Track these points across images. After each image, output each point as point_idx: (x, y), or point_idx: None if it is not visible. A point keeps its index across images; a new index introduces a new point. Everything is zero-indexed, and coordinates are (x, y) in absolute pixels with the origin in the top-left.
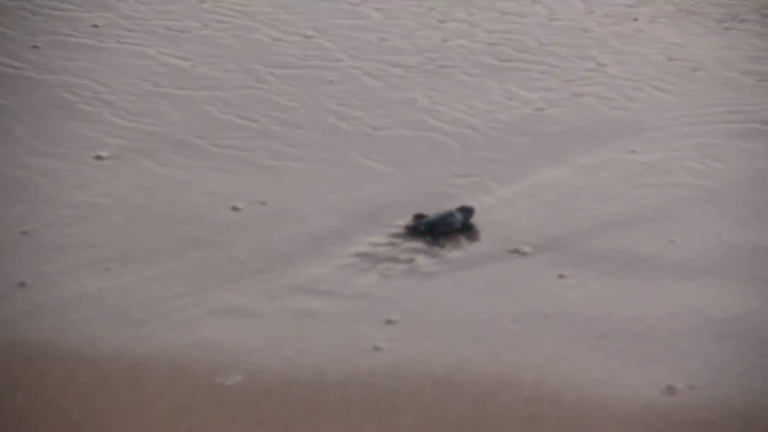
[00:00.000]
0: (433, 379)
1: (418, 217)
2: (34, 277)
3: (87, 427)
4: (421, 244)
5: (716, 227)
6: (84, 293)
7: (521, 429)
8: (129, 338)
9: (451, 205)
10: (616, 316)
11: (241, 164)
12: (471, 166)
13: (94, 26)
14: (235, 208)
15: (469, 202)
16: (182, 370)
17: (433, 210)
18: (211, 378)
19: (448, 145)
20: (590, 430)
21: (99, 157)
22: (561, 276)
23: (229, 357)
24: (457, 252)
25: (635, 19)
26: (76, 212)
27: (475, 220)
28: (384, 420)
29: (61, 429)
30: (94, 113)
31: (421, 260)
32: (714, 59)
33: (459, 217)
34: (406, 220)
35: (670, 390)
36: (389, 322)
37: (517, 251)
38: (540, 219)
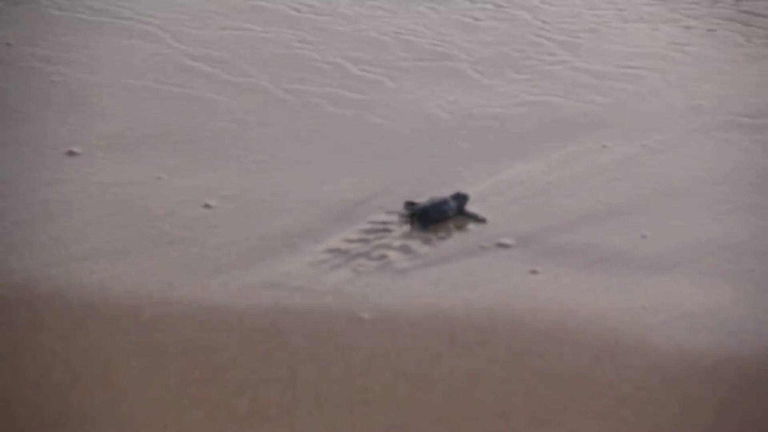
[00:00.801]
0: (406, 375)
1: (410, 204)
2: (5, 275)
3: (61, 425)
4: (393, 239)
5: (688, 221)
6: (55, 290)
7: (494, 424)
8: (101, 335)
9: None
10: (588, 310)
11: (213, 161)
12: (443, 162)
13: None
14: (206, 206)
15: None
16: (156, 367)
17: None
18: (185, 375)
19: (419, 142)
20: (563, 425)
21: (71, 153)
22: (533, 271)
23: (202, 353)
24: (429, 248)
25: None
26: (47, 209)
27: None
28: (357, 416)
29: (36, 426)
30: (67, 107)
31: (394, 256)
32: (686, 54)
33: (453, 204)
34: (379, 216)
35: (643, 384)
36: (362, 318)
37: (489, 246)
38: (512, 214)
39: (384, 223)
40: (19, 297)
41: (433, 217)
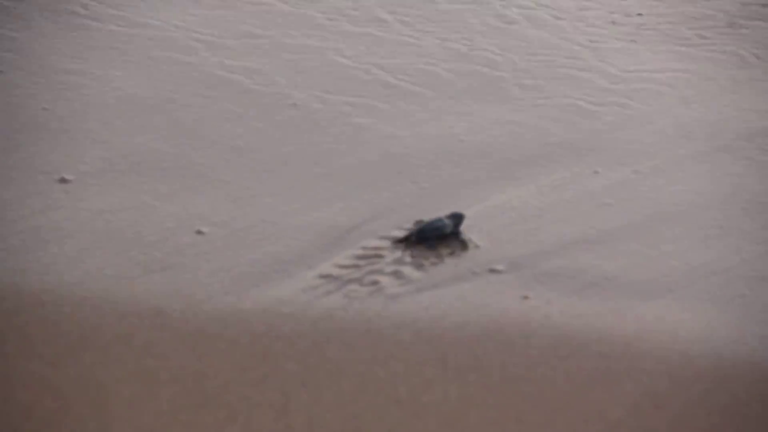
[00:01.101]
0: (398, 401)
1: (418, 222)
2: None
3: None
4: (385, 265)
5: (680, 247)
6: (47, 318)
7: None
8: (92, 364)
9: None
10: (580, 336)
11: (206, 187)
12: (434, 188)
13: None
14: (199, 232)
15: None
16: (147, 393)
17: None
18: (177, 401)
19: (411, 168)
20: None
21: (63, 180)
22: (525, 297)
23: (194, 380)
24: (421, 273)
25: (639, 14)
26: (38, 236)
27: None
28: None
29: None
30: (59, 134)
31: (386, 282)
32: (677, 78)
33: (448, 222)
34: (370, 241)
35: (636, 409)
36: (354, 344)
37: (481, 272)
38: (504, 240)
39: (376, 248)
40: (10, 323)
41: (428, 235)
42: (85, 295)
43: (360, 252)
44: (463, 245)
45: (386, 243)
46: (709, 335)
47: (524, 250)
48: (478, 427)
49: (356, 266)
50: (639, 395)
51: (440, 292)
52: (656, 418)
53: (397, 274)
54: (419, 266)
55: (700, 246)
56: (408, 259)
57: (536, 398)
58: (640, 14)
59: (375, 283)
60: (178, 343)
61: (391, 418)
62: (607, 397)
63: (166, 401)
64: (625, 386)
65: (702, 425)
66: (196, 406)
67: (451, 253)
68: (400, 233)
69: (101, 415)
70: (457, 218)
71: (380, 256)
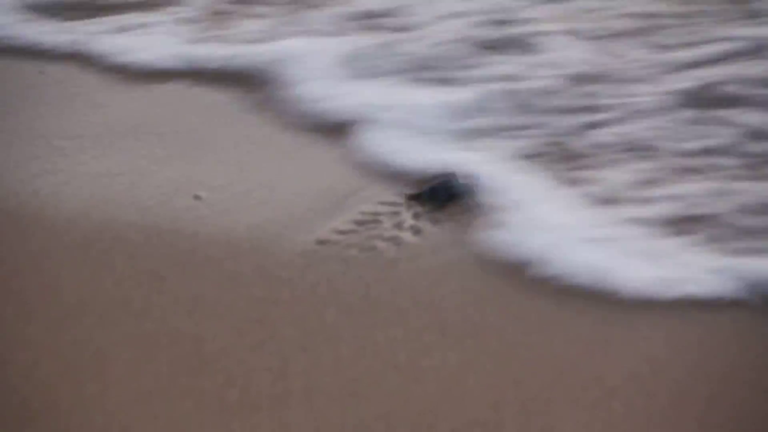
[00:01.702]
0: (396, 366)
1: (420, 183)
2: None
3: (49, 415)
4: (384, 230)
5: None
6: (44, 281)
7: (484, 414)
8: (91, 328)
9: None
10: (579, 301)
11: (204, 152)
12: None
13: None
14: (197, 197)
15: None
16: (146, 358)
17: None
18: (175, 365)
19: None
20: (553, 416)
21: (60, 145)
22: (524, 261)
23: (192, 345)
24: (419, 239)
25: None
26: (36, 200)
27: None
28: (348, 407)
29: (24, 416)
30: (56, 98)
31: (384, 247)
32: None
33: (462, 183)
34: (369, 207)
35: (633, 375)
36: (352, 309)
37: (480, 237)
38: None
39: (374, 213)
40: (8, 287)
41: (441, 195)
42: (83, 259)
43: (358, 217)
44: (475, 205)
45: (385, 208)
46: (708, 301)
47: None
48: (477, 392)
49: (354, 231)
50: (637, 361)
51: (439, 258)
52: (654, 384)
53: (395, 240)
54: (418, 232)
55: None
56: (407, 224)
57: (535, 364)
58: None
59: (373, 248)
60: (177, 308)
61: (390, 383)
62: (605, 363)
63: (164, 365)
64: (623, 352)
65: (701, 392)
66: (195, 370)
67: (450, 218)
68: (402, 196)
69: (100, 378)
70: (470, 179)
71: (379, 222)
